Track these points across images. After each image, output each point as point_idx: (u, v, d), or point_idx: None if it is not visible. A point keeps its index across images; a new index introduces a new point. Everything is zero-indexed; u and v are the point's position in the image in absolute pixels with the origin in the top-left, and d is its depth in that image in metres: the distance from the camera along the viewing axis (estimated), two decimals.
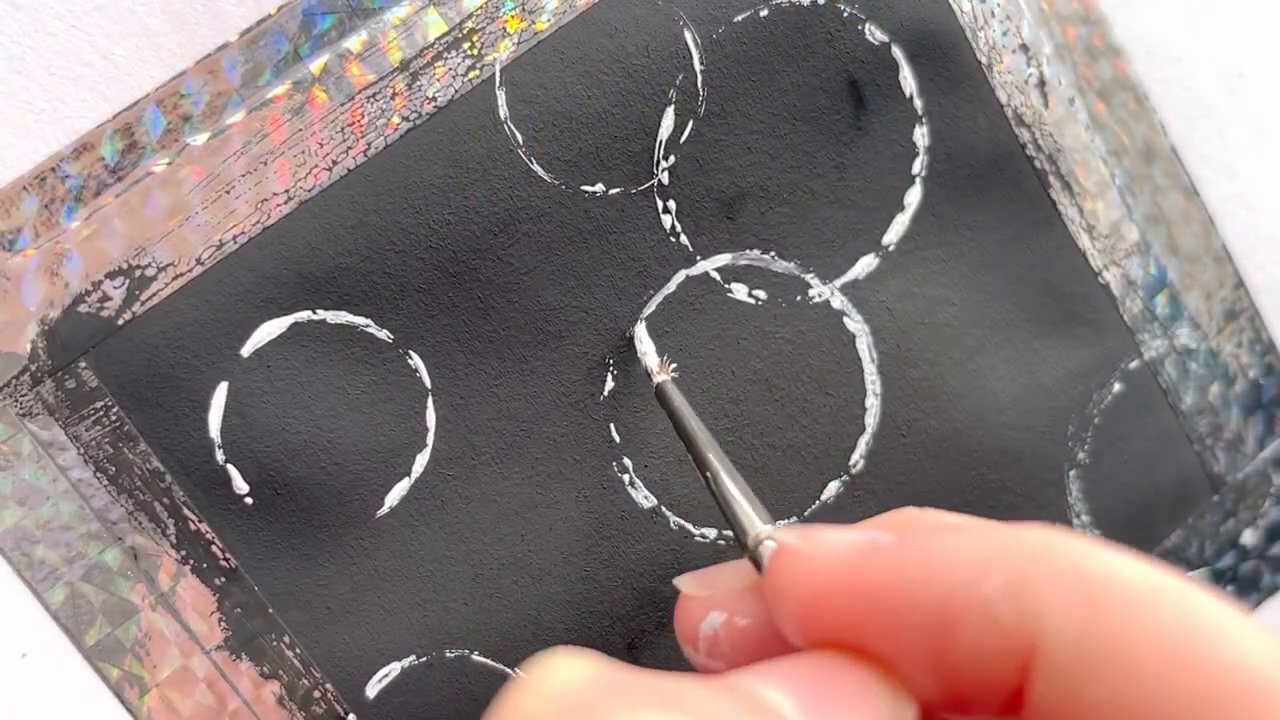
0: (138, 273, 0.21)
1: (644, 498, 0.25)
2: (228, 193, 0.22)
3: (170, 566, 0.22)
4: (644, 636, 0.25)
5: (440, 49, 0.22)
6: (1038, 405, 0.27)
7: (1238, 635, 0.11)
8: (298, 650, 0.23)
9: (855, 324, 0.25)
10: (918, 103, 0.25)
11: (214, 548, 0.22)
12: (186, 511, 0.22)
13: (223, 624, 0.23)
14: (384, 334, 0.23)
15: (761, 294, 0.25)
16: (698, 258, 0.24)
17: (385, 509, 0.23)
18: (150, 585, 0.22)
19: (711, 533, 0.25)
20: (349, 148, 0.22)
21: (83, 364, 0.21)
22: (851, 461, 0.26)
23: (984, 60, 0.25)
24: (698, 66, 0.24)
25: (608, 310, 0.24)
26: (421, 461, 0.23)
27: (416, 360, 0.23)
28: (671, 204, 0.24)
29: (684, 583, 0.17)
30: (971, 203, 0.26)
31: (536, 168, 0.23)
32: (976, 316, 0.26)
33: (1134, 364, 0.27)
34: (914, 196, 0.25)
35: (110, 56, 0.21)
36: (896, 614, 0.13)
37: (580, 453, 0.24)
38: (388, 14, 0.22)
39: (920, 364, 0.26)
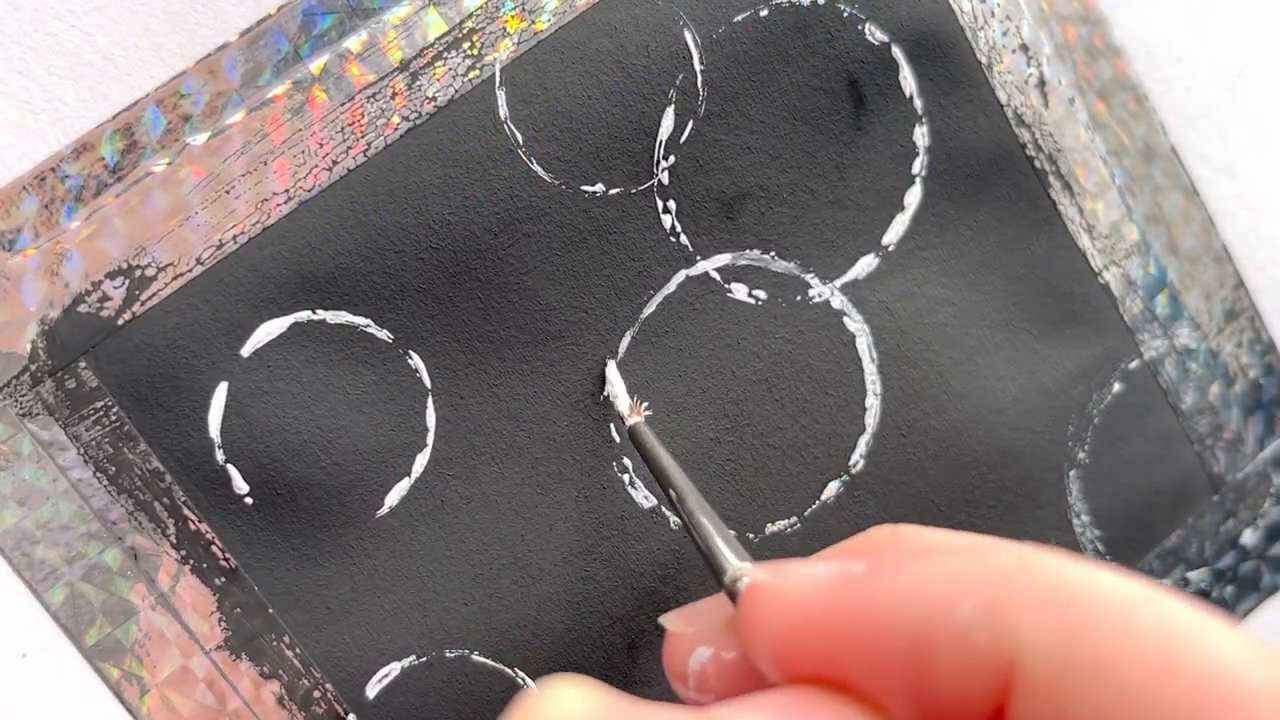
0: (138, 273, 0.21)
1: (644, 498, 0.25)
2: (228, 193, 0.22)
3: (170, 566, 0.22)
4: (644, 636, 0.25)
5: (440, 49, 0.22)
6: (1038, 405, 0.27)
7: (1217, 642, 0.11)
8: (298, 650, 0.23)
9: (855, 324, 0.25)
10: (918, 103, 0.25)
11: (214, 548, 0.22)
12: (186, 511, 0.22)
13: (223, 624, 0.23)
14: (384, 334, 0.23)
15: (761, 294, 0.25)
16: (698, 258, 0.24)
17: (385, 509, 0.23)
18: (150, 585, 0.22)
19: None
20: (349, 148, 0.22)
21: (83, 364, 0.21)
22: (851, 461, 0.26)
23: (984, 60, 0.25)
24: (698, 66, 0.24)
25: (608, 310, 0.24)
26: (421, 461, 0.23)
27: (416, 360, 0.23)
28: (671, 204, 0.24)
29: (669, 620, 0.17)
30: (971, 203, 0.26)
31: (536, 168, 0.23)
32: (976, 316, 0.26)
33: (1134, 364, 0.27)
34: (914, 196, 0.25)
35: (110, 56, 0.21)
36: (872, 645, 0.13)
37: (580, 453, 0.24)
38: (388, 14, 0.22)
39: (920, 364, 0.26)
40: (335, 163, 0.22)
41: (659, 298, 0.24)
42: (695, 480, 0.25)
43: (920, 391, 0.26)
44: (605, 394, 0.24)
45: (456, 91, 0.22)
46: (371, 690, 0.23)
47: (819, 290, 0.25)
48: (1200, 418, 0.28)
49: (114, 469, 0.22)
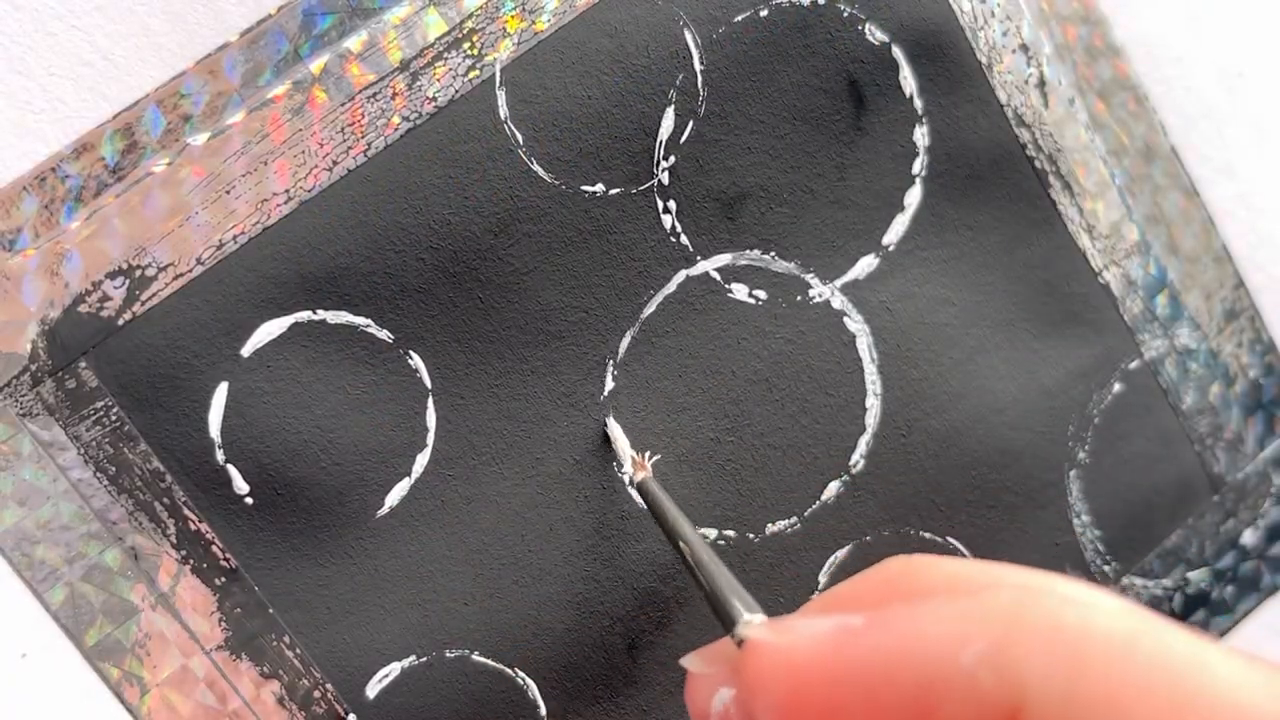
0: (138, 273, 0.21)
1: None
2: (228, 193, 0.22)
3: (170, 566, 0.22)
4: (644, 636, 0.25)
5: (440, 49, 0.22)
6: (1038, 405, 0.27)
7: (1219, 670, 0.11)
8: (298, 650, 0.23)
9: (855, 324, 0.25)
10: (918, 103, 0.25)
11: (214, 548, 0.22)
12: (186, 511, 0.22)
13: (223, 624, 0.23)
14: (384, 334, 0.23)
15: (761, 294, 0.25)
16: (698, 258, 0.24)
17: (385, 509, 0.23)
18: (150, 585, 0.22)
19: (712, 532, 0.25)
20: (349, 148, 0.22)
21: (83, 364, 0.21)
22: (851, 461, 0.26)
23: (984, 60, 0.25)
24: (698, 66, 0.24)
25: (608, 310, 0.24)
26: (421, 461, 0.23)
27: (417, 360, 0.23)
28: (671, 204, 0.24)
29: (690, 662, 0.17)
30: (971, 203, 0.26)
31: (536, 168, 0.23)
32: (976, 316, 0.26)
33: (1134, 364, 0.27)
34: (914, 196, 0.25)
35: (110, 56, 0.21)
36: (875, 697, 0.13)
37: (580, 453, 0.24)
38: (388, 14, 0.22)
39: (920, 364, 0.26)
40: (335, 163, 0.22)
41: (659, 298, 0.24)
42: (695, 480, 0.25)
43: (920, 391, 0.26)
44: (611, 441, 0.24)
45: (457, 91, 0.22)
46: (371, 690, 0.23)
47: (819, 290, 0.25)
48: (1200, 418, 0.28)
49: (114, 469, 0.22)
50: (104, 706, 0.22)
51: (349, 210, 0.22)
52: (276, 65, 0.22)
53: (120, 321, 0.21)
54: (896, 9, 0.24)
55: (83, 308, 0.21)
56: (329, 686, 0.23)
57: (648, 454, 0.24)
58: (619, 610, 0.25)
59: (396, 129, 0.22)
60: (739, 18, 0.24)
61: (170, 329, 0.22)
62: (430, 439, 0.23)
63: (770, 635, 0.14)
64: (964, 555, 0.26)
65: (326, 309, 0.22)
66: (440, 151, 0.22)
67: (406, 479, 0.23)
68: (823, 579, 0.26)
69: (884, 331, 0.26)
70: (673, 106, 0.23)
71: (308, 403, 0.23)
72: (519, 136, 0.23)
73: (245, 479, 0.22)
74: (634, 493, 0.24)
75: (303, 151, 0.22)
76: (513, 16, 0.23)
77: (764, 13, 0.24)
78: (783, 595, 0.26)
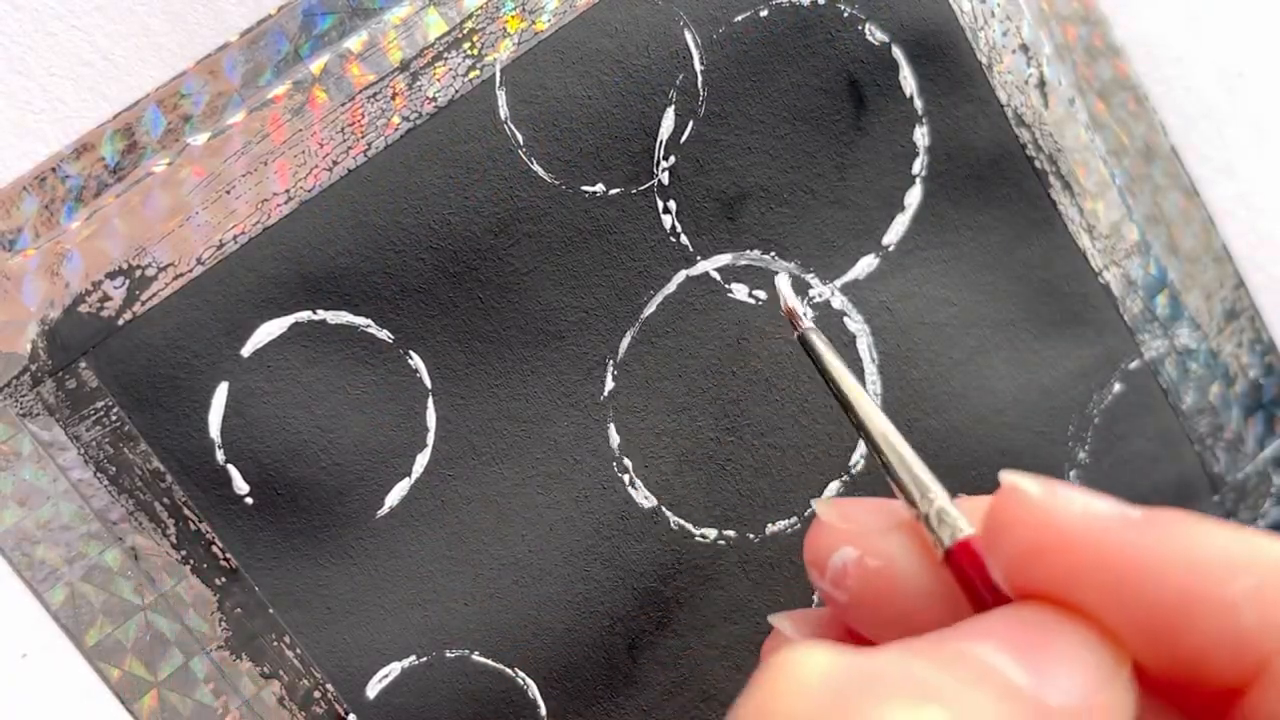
0: (138, 273, 0.21)
1: (644, 498, 0.25)
2: (228, 193, 0.22)
3: (170, 566, 0.22)
4: (644, 636, 0.25)
5: (440, 49, 0.22)
6: (1038, 405, 0.27)
7: None
8: (298, 650, 0.23)
9: (855, 324, 0.25)
10: (918, 103, 0.25)
11: (214, 548, 0.22)
12: (186, 511, 0.22)
13: (223, 624, 0.23)
14: (384, 334, 0.23)
15: (761, 294, 0.25)
16: (698, 258, 0.24)
17: (385, 509, 0.23)
18: (150, 585, 0.22)
19: (712, 533, 0.25)
20: (349, 148, 0.22)
21: (83, 364, 0.21)
22: (851, 461, 0.26)
23: (984, 60, 0.25)
24: (698, 66, 0.24)
25: (608, 310, 0.24)
26: (421, 461, 0.23)
27: (417, 360, 0.23)
28: (671, 204, 0.24)
29: (824, 509, 0.17)
30: (971, 203, 0.26)
31: (536, 168, 0.23)
32: (976, 316, 0.26)
33: (1134, 364, 0.27)
34: (914, 196, 0.25)
35: (110, 56, 0.21)
36: (1133, 586, 0.13)
37: (580, 453, 0.24)
38: (388, 14, 0.22)
39: (920, 364, 0.26)
40: (335, 163, 0.22)
41: (659, 298, 0.24)
42: (695, 480, 0.25)
43: (920, 391, 0.26)
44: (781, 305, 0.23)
45: (457, 92, 0.22)
46: (372, 690, 0.23)
47: (819, 290, 0.25)
48: (1200, 418, 0.28)
49: (114, 469, 0.22)
50: (104, 706, 0.22)
51: (349, 210, 0.22)
52: (276, 65, 0.22)
53: (120, 321, 0.21)
54: (896, 9, 0.24)
55: (83, 308, 0.21)
56: (329, 686, 0.23)
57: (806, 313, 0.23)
58: (619, 610, 0.25)
59: (396, 129, 0.22)
60: (739, 18, 0.24)
61: (170, 329, 0.22)
62: (430, 439, 0.23)
63: (1038, 489, 0.14)
64: None
65: (326, 309, 0.22)
66: (440, 151, 0.22)
67: (406, 479, 0.23)
68: None
69: (884, 331, 0.26)
70: (673, 106, 0.23)
71: (308, 403, 0.23)
72: (519, 136, 0.23)
73: (245, 479, 0.22)
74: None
75: (303, 151, 0.22)
76: (513, 16, 0.23)
77: (764, 13, 0.24)
78: (782, 595, 0.26)
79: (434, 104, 0.22)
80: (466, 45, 0.22)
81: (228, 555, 0.22)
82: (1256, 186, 0.28)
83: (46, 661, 0.22)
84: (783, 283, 0.23)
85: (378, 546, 0.23)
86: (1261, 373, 0.29)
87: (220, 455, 0.22)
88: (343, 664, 0.23)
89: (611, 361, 0.24)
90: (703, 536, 0.25)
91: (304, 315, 0.22)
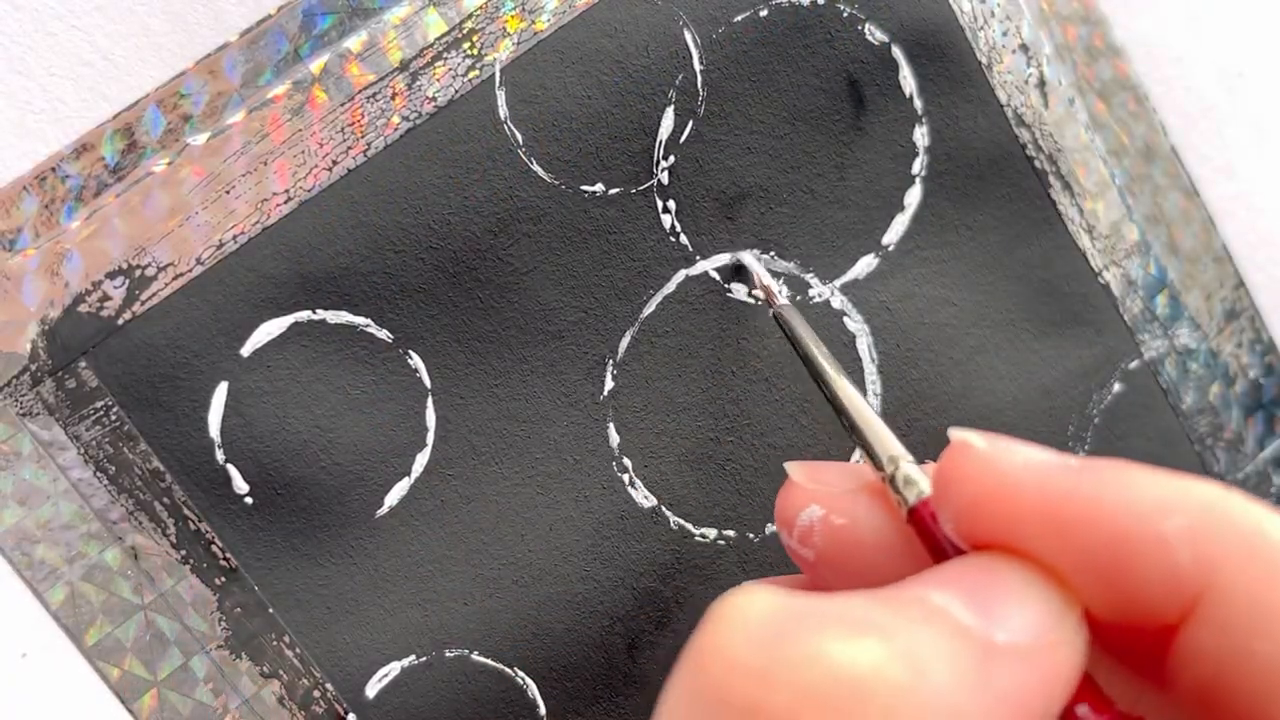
0: (138, 273, 0.21)
1: (644, 498, 0.25)
2: (228, 193, 0.22)
3: (170, 566, 0.22)
4: (644, 636, 0.25)
5: (440, 49, 0.22)
6: (1038, 405, 0.27)
7: None
8: (298, 650, 0.23)
9: (855, 324, 0.25)
10: (918, 103, 0.25)
11: (214, 547, 0.22)
12: (186, 511, 0.22)
13: (223, 624, 0.23)
14: (384, 334, 0.23)
15: (761, 294, 0.25)
16: (698, 258, 0.24)
17: (385, 509, 0.23)
18: (150, 585, 0.22)
19: (711, 532, 0.25)
20: (349, 148, 0.22)
21: (83, 364, 0.21)
22: (851, 461, 0.26)
23: (984, 60, 0.25)
24: (698, 66, 0.24)
25: (608, 310, 0.24)
26: (421, 461, 0.23)
27: (416, 360, 0.23)
28: (671, 204, 0.24)
29: (794, 469, 0.18)
30: (971, 203, 0.26)
31: (536, 168, 0.23)
32: (976, 316, 0.26)
33: (1134, 364, 0.27)
34: (914, 196, 0.25)
35: (110, 56, 0.21)
36: (1073, 529, 0.13)
37: (580, 453, 0.24)
38: (388, 14, 0.22)
39: (920, 364, 0.26)
40: (335, 163, 0.22)
41: (659, 298, 0.24)
42: (695, 480, 0.25)
43: (920, 391, 0.26)
44: (751, 287, 0.24)
45: (456, 91, 0.22)
46: (371, 690, 0.23)
47: (819, 290, 0.25)
48: (1200, 418, 0.28)
49: (114, 469, 0.22)
50: (104, 706, 0.22)
51: (349, 210, 0.22)
52: (276, 65, 0.22)
53: (120, 321, 0.21)
54: (896, 9, 0.24)
55: (83, 307, 0.21)
56: (329, 686, 0.23)
57: (781, 291, 0.24)
58: (619, 610, 0.25)
59: (396, 129, 0.22)
60: (739, 18, 0.24)
61: (170, 329, 0.22)
62: (430, 439, 0.23)
63: (982, 442, 0.15)
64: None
65: (326, 309, 0.22)
66: (440, 151, 0.22)
67: (406, 479, 0.23)
68: None
69: (884, 331, 0.26)
70: (672, 106, 0.23)
71: (307, 402, 0.23)
72: (519, 136, 0.23)
73: (245, 479, 0.22)
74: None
75: (303, 151, 0.22)
76: (513, 16, 0.23)
77: (764, 13, 0.24)
78: None
79: (434, 104, 0.22)
80: (466, 45, 0.22)
81: (227, 555, 0.22)
82: (1256, 186, 0.28)
83: (46, 661, 0.22)
84: (752, 260, 0.24)
85: (377, 546, 0.23)
86: (1261, 373, 0.29)
87: (220, 455, 0.22)
88: (342, 663, 0.23)
89: (611, 361, 0.24)
90: (702, 536, 0.25)
91: (303, 315, 0.22)
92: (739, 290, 0.25)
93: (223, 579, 0.23)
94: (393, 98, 0.22)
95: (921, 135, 0.25)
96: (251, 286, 0.22)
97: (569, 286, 0.24)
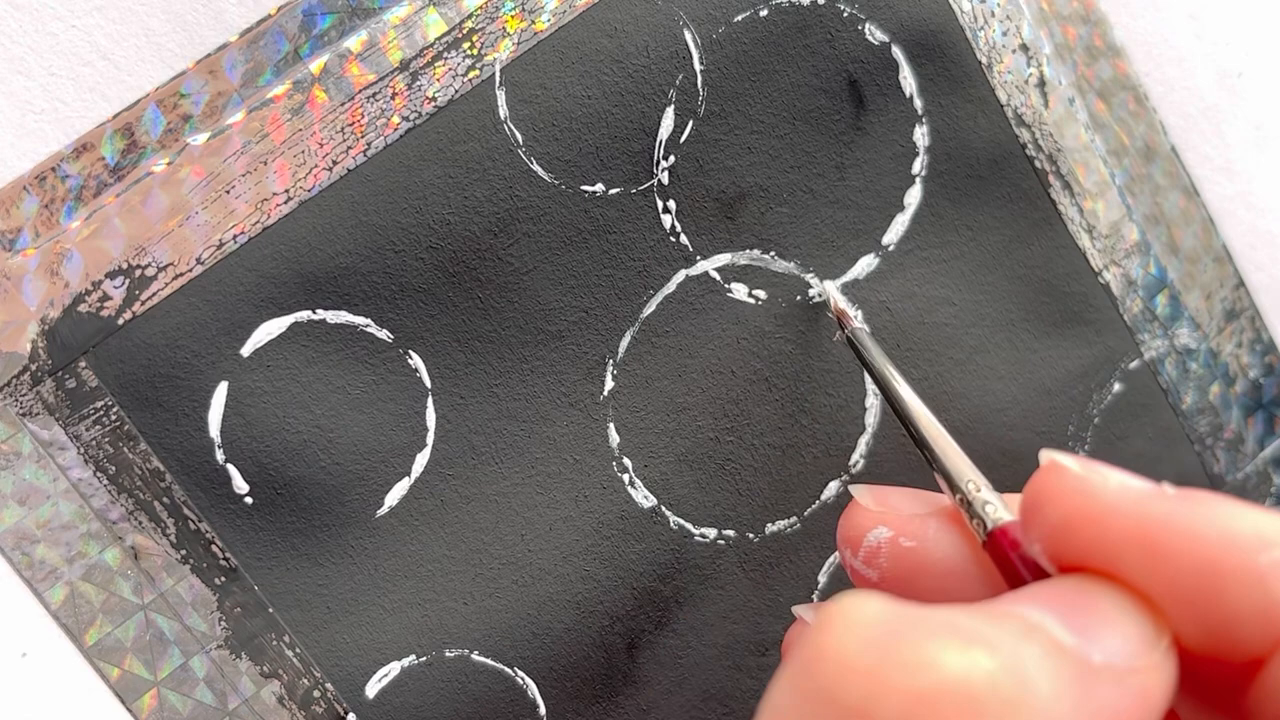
0: (138, 272, 0.21)
1: (644, 498, 0.25)
2: (228, 193, 0.22)
3: (170, 566, 0.22)
4: (644, 636, 0.25)
5: (440, 49, 0.22)
6: (1038, 405, 0.27)
7: None
8: (298, 650, 0.23)
9: (855, 324, 0.25)
10: (918, 103, 0.25)
11: (214, 547, 0.22)
12: (186, 511, 0.22)
13: (223, 623, 0.23)
14: (384, 334, 0.23)
15: (761, 294, 0.25)
16: (698, 258, 0.24)
17: (385, 509, 0.23)
18: (150, 584, 0.22)
19: (711, 532, 0.25)
20: (349, 148, 0.22)
21: (83, 364, 0.21)
22: (851, 461, 0.26)
23: (984, 60, 0.25)
24: (698, 66, 0.24)
25: (608, 310, 0.24)
26: (421, 461, 0.23)
27: (416, 360, 0.23)
28: (671, 204, 0.24)
29: (860, 493, 0.18)
30: (971, 203, 0.26)
31: (536, 168, 0.23)
32: (976, 316, 0.26)
33: (1134, 364, 0.27)
34: (914, 196, 0.25)
35: (110, 56, 0.21)
36: (1168, 555, 0.13)
37: (580, 453, 0.24)
38: (388, 14, 0.22)
39: (920, 364, 0.26)
40: (335, 163, 0.22)
41: (659, 297, 0.24)
42: (695, 480, 0.25)
43: (920, 391, 0.26)
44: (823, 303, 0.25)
45: (456, 91, 0.22)
46: (371, 690, 0.23)
47: (819, 290, 0.25)
48: (1200, 418, 0.28)
49: (114, 469, 0.22)
50: (104, 706, 0.22)
51: (349, 210, 0.22)
52: (276, 65, 0.22)
53: (120, 321, 0.21)
54: (896, 9, 0.24)
55: (83, 307, 0.21)
56: (329, 686, 0.23)
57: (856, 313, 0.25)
58: (619, 610, 0.25)
59: (396, 129, 0.22)
60: (739, 18, 0.24)
61: (170, 329, 0.22)
62: (430, 439, 0.23)
63: (1076, 465, 0.15)
64: None
65: (326, 309, 0.22)
66: (440, 151, 0.22)
67: (406, 479, 0.23)
68: (822, 579, 0.26)
69: (884, 331, 0.26)
70: (673, 106, 0.23)
71: (308, 402, 0.23)
72: (519, 136, 0.23)
73: (245, 478, 0.22)
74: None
75: (303, 151, 0.22)
76: (512, 16, 0.23)
77: (764, 13, 0.24)
78: (782, 595, 0.26)
79: (434, 104, 0.22)
80: (466, 45, 0.22)
81: (227, 554, 0.22)
82: (1256, 186, 0.28)
83: (46, 661, 0.22)
84: (830, 287, 0.25)
85: (377, 546, 0.23)
86: (1261, 373, 0.29)
87: (220, 454, 0.22)
88: (342, 663, 0.23)
89: (611, 361, 0.24)
90: (702, 536, 0.25)
91: (304, 315, 0.22)
92: (739, 290, 0.25)
93: (223, 579, 0.23)
94: (393, 98, 0.22)
95: (921, 135, 0.25)
96: (251, 286, 0.22)
97: (569, 286, 0.24)
